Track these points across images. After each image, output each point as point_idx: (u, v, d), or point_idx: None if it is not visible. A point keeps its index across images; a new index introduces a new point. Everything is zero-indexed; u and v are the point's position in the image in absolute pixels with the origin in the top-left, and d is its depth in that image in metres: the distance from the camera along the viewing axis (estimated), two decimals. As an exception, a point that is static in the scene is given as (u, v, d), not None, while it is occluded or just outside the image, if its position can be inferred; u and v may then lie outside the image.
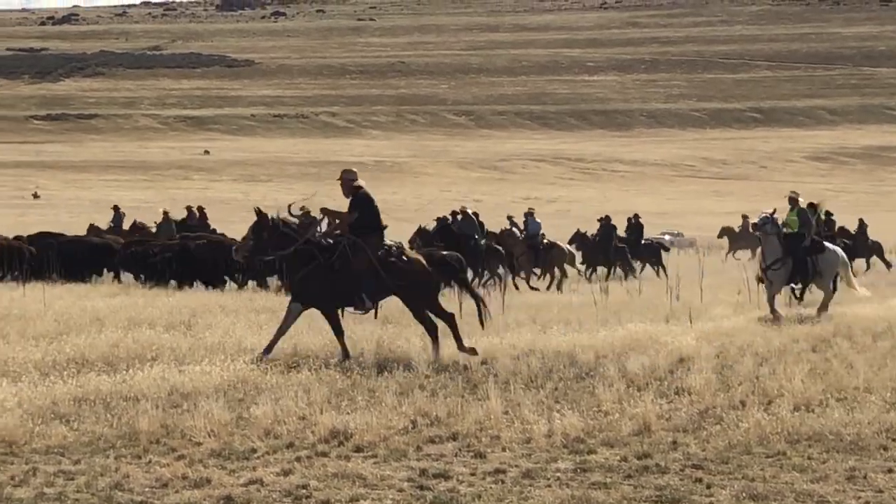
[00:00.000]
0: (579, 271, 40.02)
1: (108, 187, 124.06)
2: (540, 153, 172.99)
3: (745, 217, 57.08)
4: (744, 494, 10.75)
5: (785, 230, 26.89)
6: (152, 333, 19.99)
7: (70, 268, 35.59)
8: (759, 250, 30.53)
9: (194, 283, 34.18)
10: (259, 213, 19.40)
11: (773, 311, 25.60)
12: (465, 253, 35.55)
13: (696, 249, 63.26)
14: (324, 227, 20.93)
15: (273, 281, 33.45)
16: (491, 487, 11.01)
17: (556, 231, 49.44)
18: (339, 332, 18.95)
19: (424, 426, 13.38)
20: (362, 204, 19.40)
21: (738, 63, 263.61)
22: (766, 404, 14.47)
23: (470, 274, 37.98)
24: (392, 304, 24.77)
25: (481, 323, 19.86)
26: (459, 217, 39.41)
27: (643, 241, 47.94)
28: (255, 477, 11.20)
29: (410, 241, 38.65)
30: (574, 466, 11.77)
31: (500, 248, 38.94)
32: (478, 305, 20.06)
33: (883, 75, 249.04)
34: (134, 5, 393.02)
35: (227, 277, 34.89)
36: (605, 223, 45.78)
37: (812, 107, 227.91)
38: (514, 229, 41.37)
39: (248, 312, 24.20)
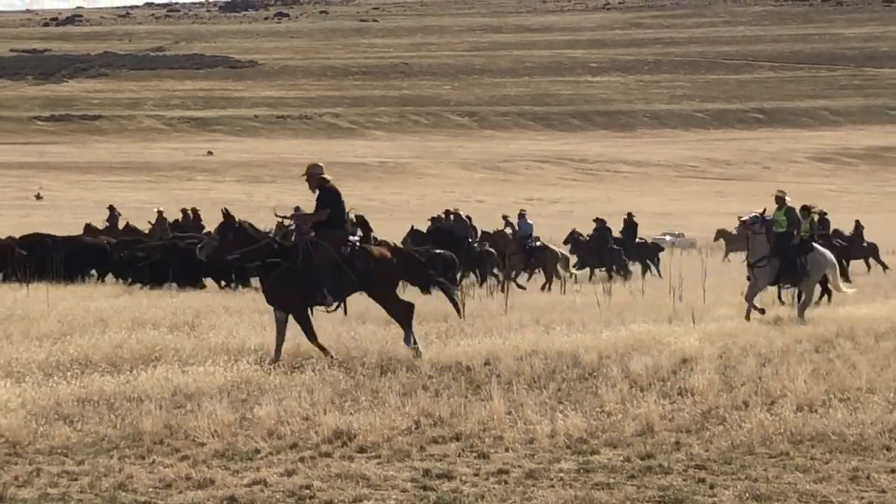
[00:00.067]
0: (571, 274, 39.98)
1: (111, 188, 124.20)
2: (543, 154, 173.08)
3: (740, 218, 56.99)
4: (747, 495, 10.75)
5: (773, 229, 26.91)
6: (156, 334, 19.99)
7: (63, 267, 35.43)
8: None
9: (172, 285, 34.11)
10: (226, 214, 19.49)
11: (751, 307, 25.64)
12: (458, 254, 35.85)
13: (698, 250, 63.29)
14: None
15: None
16: (494, 488, 11.01)
17: (560, 232, 49.47)
18: (311, 336, 18.85)
19: (428, 427, 13.38)
20: (329, 198, 19.32)
21: (741, 64, 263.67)
22: (769, 405, 14.47)
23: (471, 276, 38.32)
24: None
25: (458, 313, 20.54)
26: (452, 218, 39.40)
27: (637, 241, 47.90)
28: (258, 477, 11.20)
29: (403, 242, 38.80)
30: (577, 467, 11.77)
31: (493, 250, 39.14)
32: (452, 302, 20.48)
33: (886, 76, 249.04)
34: (137, 6, 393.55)
35: (223, 280, 34.81)
36: (600, 225, 45.75)
37: (815, 107, 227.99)
38: (506, 230, 41.45)
39: (251, 313, 24.19)
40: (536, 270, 40.28)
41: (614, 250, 44.86)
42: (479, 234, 41.10)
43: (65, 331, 20.64)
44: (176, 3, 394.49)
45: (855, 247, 49.47)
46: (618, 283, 39.45)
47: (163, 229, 42.67)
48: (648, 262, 47.27)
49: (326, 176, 19.49)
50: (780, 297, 28.98)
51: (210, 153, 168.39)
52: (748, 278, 27.63)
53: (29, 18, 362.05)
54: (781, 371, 16.59)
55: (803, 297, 27.02)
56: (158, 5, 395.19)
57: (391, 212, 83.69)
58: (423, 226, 40.89)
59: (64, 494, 10.72)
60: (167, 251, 34.63)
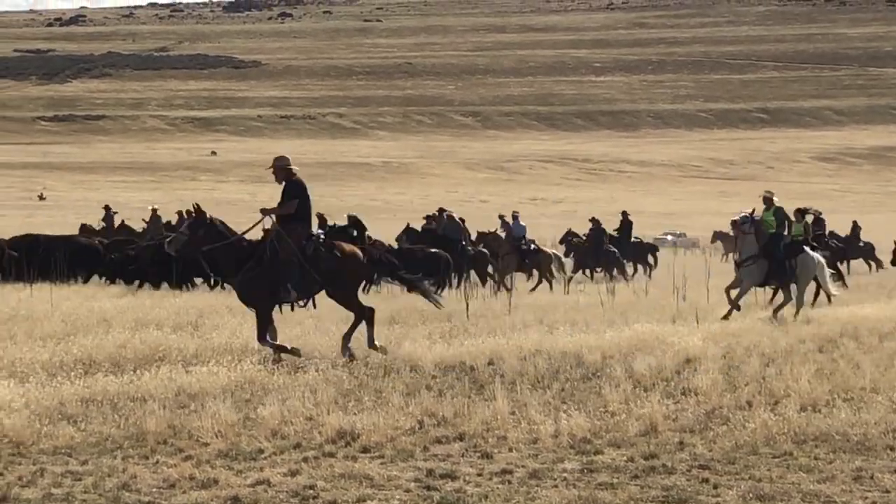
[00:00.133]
0: (565, 275, 40.01)
1: (115, 188, 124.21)
2: (547, 154, 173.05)
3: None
4: (750, 495, 10.75)
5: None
6: (159, 334, 20.00)
7: (54, 268, 35.28)
8: None
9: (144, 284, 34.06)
10: (197, 209, 19.46)
11: (734, 307, 25.57)
12: (452, 257, 35.97)
13: (702, 250, 63.29)
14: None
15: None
16: (498, 488, 11.01)
17: (563, 232, 49.46)
18: (262, 335, 18.74)
19: (431, 427, 13.38)
20: (296, 191, 19.23)
21: (744, 64, 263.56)
22: (773, 405, 14.47)
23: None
24: (397, 304, 24.83)
25: (436, 305, 20.84)
26: (445, 219, 39.38)
27: (633, 240, 47.90)
28: (262, 477, 11.21)
29: (397, 239, 38.95)
30: (581, 467, 11.77)
31: (486, 251, 39.29)
32: (430, 299, 20.62)
33: (889, 76, 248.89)
34: (141, 7, 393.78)
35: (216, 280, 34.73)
36: (596, 226, 45.76)
37: (819, 107, 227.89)
38: (498, 231, 41.53)
39: (254, 313, 24.17)
40: (532, 272, 40.29)
41: (610, 251, 44.89)
42: (475, 235, 41.26)
43: (68, 331, 20.64)
44: (179, 4, 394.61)
45: (852, 247, 49.47)
46: (621, 282, 39.48)
47: (157, 228, 42.58)
48: (643, 261, 47.32)
49: (293, 168, 19.46)
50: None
51: (214, 153, 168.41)
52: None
53: (33, 18, 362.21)
54: (785, 371, 16.59)
55: (783, 297, 26.99)
56: (162, 5, 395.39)
57: (394, 212, 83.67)
58: (419, 224, 40.97)
59: (68, 494, 10.73)
60: (157, 251, 34.54)
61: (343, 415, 13.51)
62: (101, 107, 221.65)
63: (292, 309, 20.79)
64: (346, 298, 19.52)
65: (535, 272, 39.63)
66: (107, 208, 48.30)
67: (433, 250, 35.73)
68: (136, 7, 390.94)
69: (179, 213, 46.74)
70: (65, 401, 14.49)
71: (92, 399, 14.72)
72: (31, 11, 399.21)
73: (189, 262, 31.50)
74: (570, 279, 40.42)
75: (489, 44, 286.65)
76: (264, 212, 19.45)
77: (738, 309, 25.68)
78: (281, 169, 19.41)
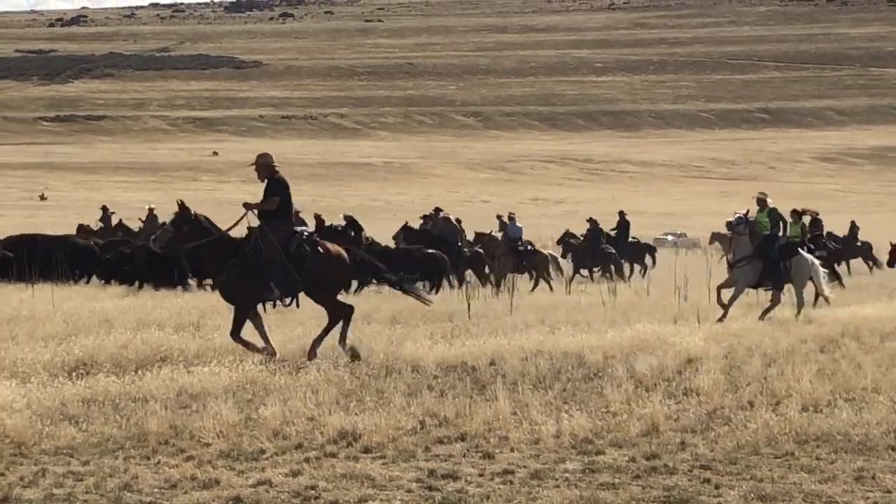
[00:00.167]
0: (562, 275, 40.03)
1: (116, 189, 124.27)
2: (548, 154, 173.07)
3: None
4: (752, 495, 10.75)
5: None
6: (161, 335, 19.99)
7: (49, 267, 35.21)
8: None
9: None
10: (181, 206, 19.43)
11: (721, 304, 25.48)
12: (449, 258, 36.03)
13: (703, 250, 63.24)
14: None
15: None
16: (499, 488, 11.01)
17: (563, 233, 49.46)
18: (237, 331, 18.69)
19: (433, 427, 13.39)
20: (278, 189, 19.21)
21: (746, 64, 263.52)
22: (775, 405, 14.47)
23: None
24: (399, 304, 24.83)
25: (426, 302, 20.97)
26: (441, 220, 39.38)
27: (630, 240, 47.90)
28: (263, 478, 11.21)
29: (395, 237, 39.02)
30: (582, 467, 11.77)
31: (482, 252, 39.33)
32: (414, 296, 20.72)
33: (891, 76, 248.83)
34: (142, 7, 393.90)
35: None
36: (593, 226, 45.77)
37: (820, 107, 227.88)
38: (493, 233, 41.58)
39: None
40: (531, 273, 40.31)
41: (607, 252, 44.91)
42: (473, 235, 41.29)
43: (70, 331, 20.64)
44: (181, 4, 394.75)
45: (849, 247, 49.45)
46: (622, 283, 39.48)
47: (154, 227, 42.55)
48: (640, 261, 47.33)
49: (276, 166, 19.47)
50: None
51: (215, 153, 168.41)
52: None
53: (34, 19, 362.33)
54: (787, 371, 16.59)
55: (773, 300, 26.94)
56: (163, 6, 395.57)
57: (396, 212, 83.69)
58: (417, 224, 41.01)
59: (69, 495, 10.73)
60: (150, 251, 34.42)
61: (345, 415, 13.51)
62: (103, 107, 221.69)
63: (274, 306, 20.70)
64: (326, 299, 19.39)
65: (534, 274, 39.65)
66: (104, 209, 48.34)
67: (430, 251, 35.77)
68: (137, 7, 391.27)
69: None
70: (66, 401, 14.49)
71: (93, 399, 14.72)
72: (33, 12, 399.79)
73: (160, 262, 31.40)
74: (572, 279, 40.41)
75: (490, 44, 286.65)
76: (247, 206, 19.43)
77: (726, 311, 25.49)
78: (264, 166, 19.43)
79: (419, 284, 34.39)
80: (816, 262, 27.96)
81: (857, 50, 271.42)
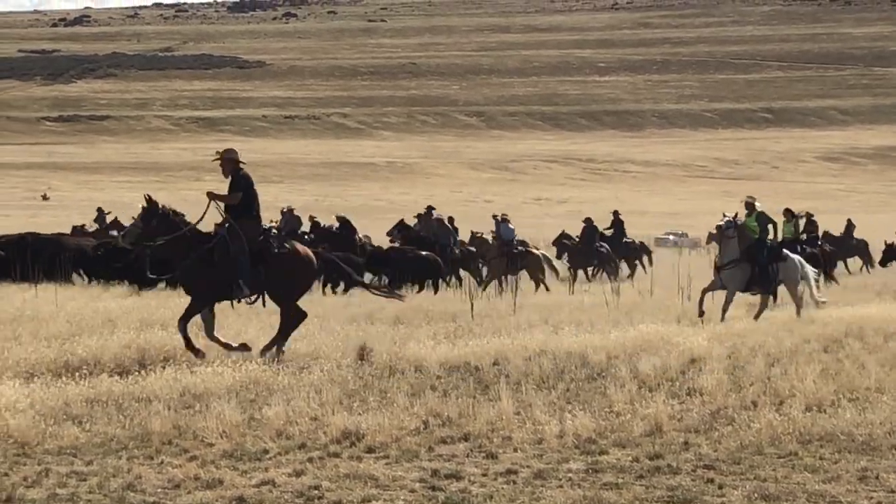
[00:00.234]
0: (557, 277, 40.03)
1: (120, 188, 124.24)
2: (551, 154, 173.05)
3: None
4: (756, 495, 10.75)
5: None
6: (164, 334, 19.98)
7: (48, 268, 35.14)
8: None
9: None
10: (149, 200, 19.35)
11: (701, 307, 25.32)
12: (443, 260, 36.08)
13: (706, 250, 63.20)
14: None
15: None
16: (502, 488, 11.01)
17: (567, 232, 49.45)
18: (185, 321, 18.54)
19: (436, 427, 13.39)
20: (242, 184, 19.16)
21: (749, 63, 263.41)
22: (778, 405, 14.46)
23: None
24: (402, 304, 24.80)
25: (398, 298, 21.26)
26: (434, 223, 39.36)
27: (625, 241, 47.89)
28: (267, 478, 11.21)
29: (389, 234, 39.15)
30: (586, 467, 11.77)
31: (474, 249, 39.40)
32: (385, 296, 21.05)
33: (895, 75, 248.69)
34: (145, 7, 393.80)
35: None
36: (588, 225, 45.77)
37: (823, 107, 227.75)
38: (485, 235, 41.59)
39: (259, 314, 24.19)
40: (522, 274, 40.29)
41: (603, 252, 44.90)
42: (469, 234, 41.33)
43: (73, 331, 20.64)
44: (184, 4, 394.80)
45: (845, 246, 49.43)
46: (626, 283, 39.45)
47: None
48: (633, 261, 47.36)
49: (240, 161, 19.45)
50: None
51: (218, 153, 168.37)
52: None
53: (37, 19, 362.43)
54: (790, 371, 16.58)
55: (762, 304, 26.85)
56: (166, 6, 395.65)
57: (399, 212, 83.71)
58: (414, 223, 41.08)
59: (73, 495, 10.74)
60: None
61: (348, 415, 13.51)
62: (106, 107, 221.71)
63: (239, 301, 20.21)
64: (287, 299, 19.21)
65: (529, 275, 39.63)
66: (99, 210, 48.54)
67: (424, 253, 35.83)
68: (140, 7, 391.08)
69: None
70: (70, 401, 14.49)
71: (97, 399, 14.73)
72: (36, 12, 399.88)
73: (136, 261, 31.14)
74: (574, 279, 40.37)
75: (493, 44, 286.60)
76: (210, 196, 19.36)
77: (702, 314, 25.11)
78: (229, 161, 19.46)
79: (414, 285, 34.61)
80: (807, 265, 27.81)
81: (860, 50, 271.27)
